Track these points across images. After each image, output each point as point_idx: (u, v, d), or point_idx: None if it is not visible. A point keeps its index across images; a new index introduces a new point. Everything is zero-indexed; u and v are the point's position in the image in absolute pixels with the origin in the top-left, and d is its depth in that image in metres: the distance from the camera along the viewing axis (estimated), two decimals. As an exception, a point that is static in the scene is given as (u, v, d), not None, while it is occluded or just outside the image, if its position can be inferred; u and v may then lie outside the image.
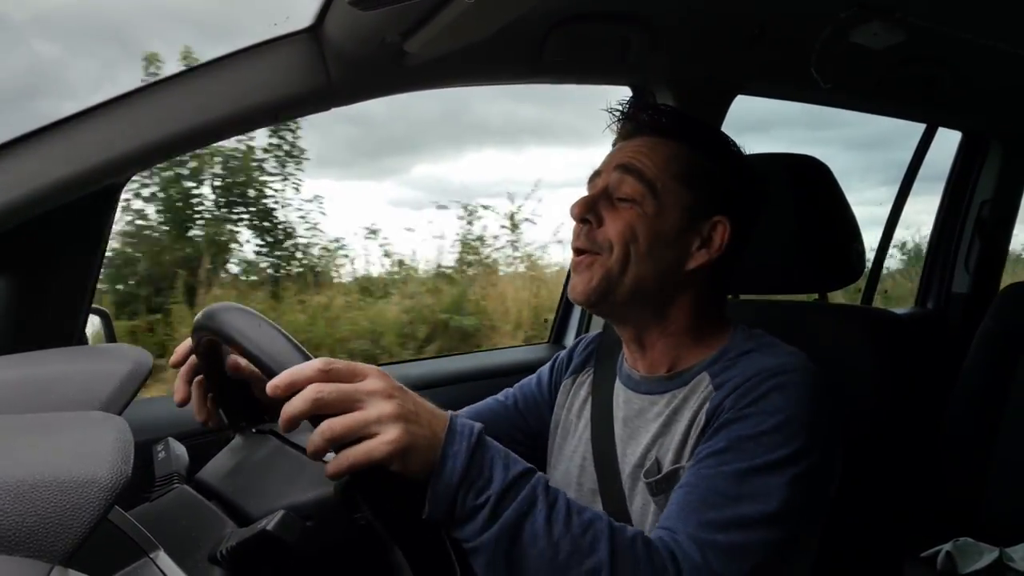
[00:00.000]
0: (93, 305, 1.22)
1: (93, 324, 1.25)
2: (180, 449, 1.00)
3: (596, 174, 1.09)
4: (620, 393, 1.13)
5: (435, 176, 7.25)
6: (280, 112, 1.20)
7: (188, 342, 0.94)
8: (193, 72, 1.13)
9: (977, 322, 1.78)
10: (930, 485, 1.72)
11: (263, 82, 1.16)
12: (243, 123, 1.17)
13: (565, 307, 2.03)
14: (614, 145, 1.12)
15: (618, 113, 1.11)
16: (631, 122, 1.10)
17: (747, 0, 1.41)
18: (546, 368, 1.30)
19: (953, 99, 2.09)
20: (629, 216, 1.02)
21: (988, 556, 1.59)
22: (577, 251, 1.06)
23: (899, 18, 1.36)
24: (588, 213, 1.04)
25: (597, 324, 1.89)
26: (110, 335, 1.32)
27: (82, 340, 1.20)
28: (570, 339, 1.98)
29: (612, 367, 1.17)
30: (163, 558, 0.65)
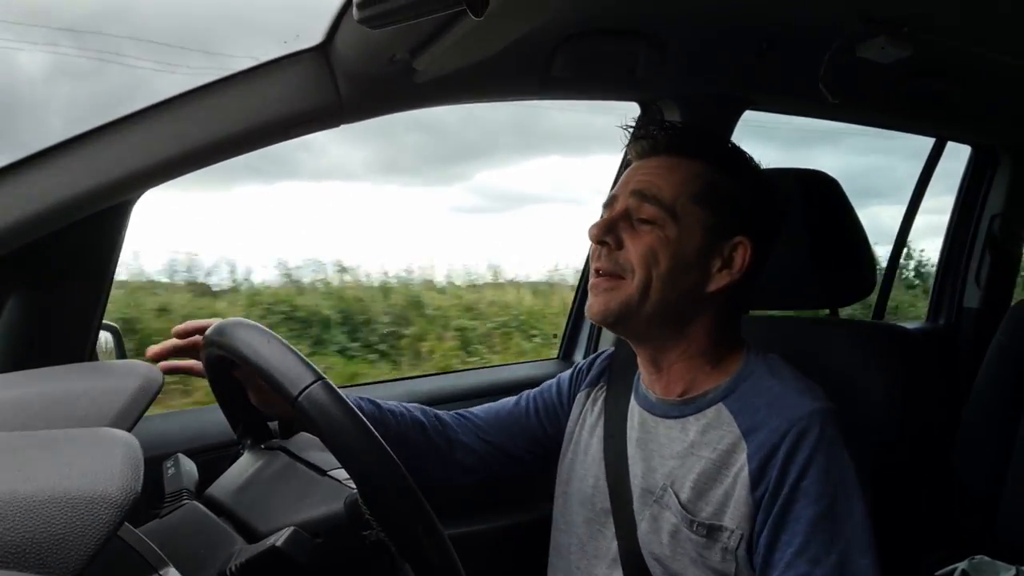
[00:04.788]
0: (104, 321, 1.22)
1: (104, 340, 1.25)
2: (190, 465, 1.00)
3: (613, 198, 1.06)
4: (635, 414, 1.11)
5: (498, 182, 7.23)
6: (290, 129, 1.21)
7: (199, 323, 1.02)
8: (204, 89, 1.14)
9: (989, 336, 1.76)
10: (944, 502, 1.70)
11: (274, 99, 1.17)
12: (254, 140, 1.18)
13: (574, 323, 2.02)
14: (629, 163, 1.09)
15: (634, 131, 1.08)
16: (648, 141, 1.06)
17: (754, 15, 1.41)
18: (566, 375, 1.28)
19: (962, 113, 2.08)
20: (650, 239, 1.00)
21: (1004, 574, 1.57)
22: (597, 272, 1.04)
23: (906, 33, 1.35)
24: (607, 235, 1.02)
25: (606, 341, 1.88)
26: (121, 351, 1.32)
27: (93, 356, 1.21)
28: (579, 356, 1.97)
29: (626, 385, 1.15)
30: (173, 574, 0.65)
